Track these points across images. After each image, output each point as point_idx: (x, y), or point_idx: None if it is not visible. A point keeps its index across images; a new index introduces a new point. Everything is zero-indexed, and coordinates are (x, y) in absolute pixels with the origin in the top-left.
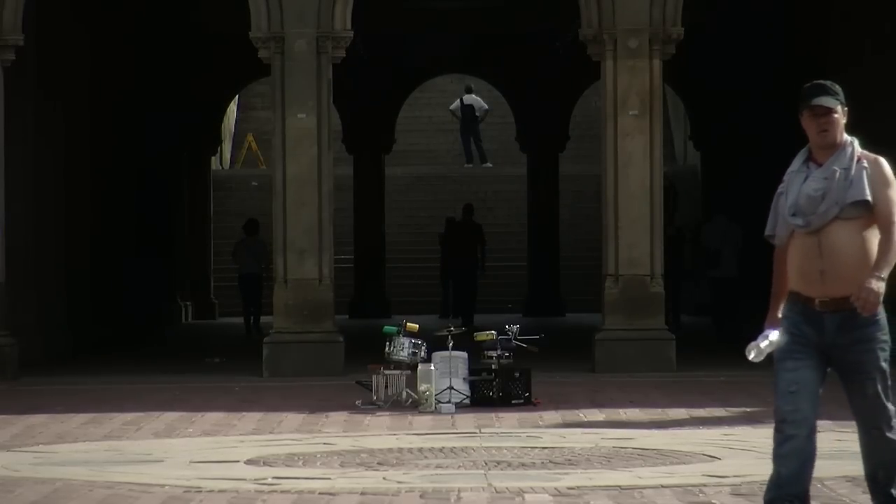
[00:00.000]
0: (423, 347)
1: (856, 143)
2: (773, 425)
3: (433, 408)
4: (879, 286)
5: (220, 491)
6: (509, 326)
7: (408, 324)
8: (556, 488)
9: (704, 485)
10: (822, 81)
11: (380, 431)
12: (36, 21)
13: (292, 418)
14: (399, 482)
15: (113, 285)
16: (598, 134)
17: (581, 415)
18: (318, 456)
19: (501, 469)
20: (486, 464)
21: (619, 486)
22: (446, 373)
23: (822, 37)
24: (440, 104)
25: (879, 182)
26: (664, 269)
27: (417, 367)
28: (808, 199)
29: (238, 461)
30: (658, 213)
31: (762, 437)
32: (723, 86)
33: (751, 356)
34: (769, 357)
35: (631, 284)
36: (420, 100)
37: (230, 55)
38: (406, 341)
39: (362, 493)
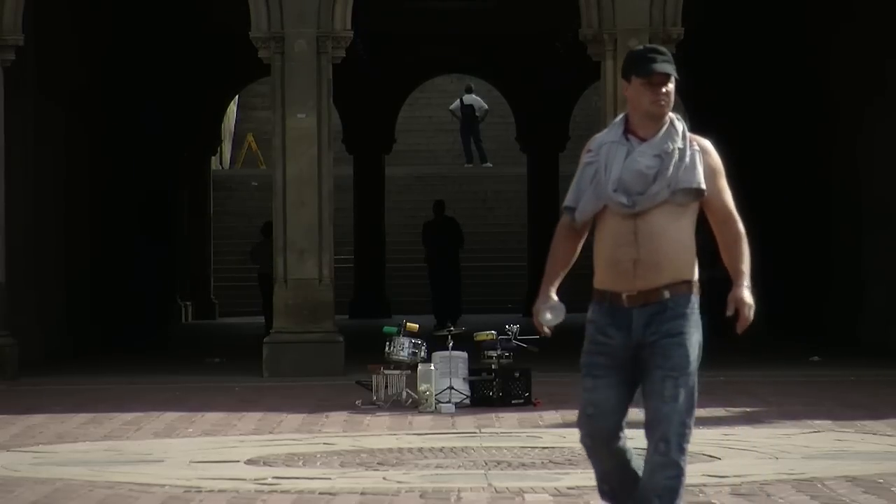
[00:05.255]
0: (423, 347)
1: (682, 119)
2: (771, 425)
3: (433, 408)
4: (751, 298)
5: (220, 491)
6: (509, 326)
7: (408, 324)
8: (556, 488)
9: (704, 485)
10: (654, 46)
11: (380, 431)
12: (35, 21)
13: (292, 418)
14: (399, 482)
15: (113, 284)
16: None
17: None
18: (318, 456)
19: (501, 469)
20: (486, 464)
21: None
22: (446, 373)
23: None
24: (440, 104)
25: (712, 171)
26: None
27: (417, 367)
28: (638, 177)
29: (238, 461)
30: None
31: (762, 437)
32: (722, 85)
33: (547, 317)
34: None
35: None
36: (420, 100)
37: (230, 55)
38: (406, 341)
39: (362, 493)
